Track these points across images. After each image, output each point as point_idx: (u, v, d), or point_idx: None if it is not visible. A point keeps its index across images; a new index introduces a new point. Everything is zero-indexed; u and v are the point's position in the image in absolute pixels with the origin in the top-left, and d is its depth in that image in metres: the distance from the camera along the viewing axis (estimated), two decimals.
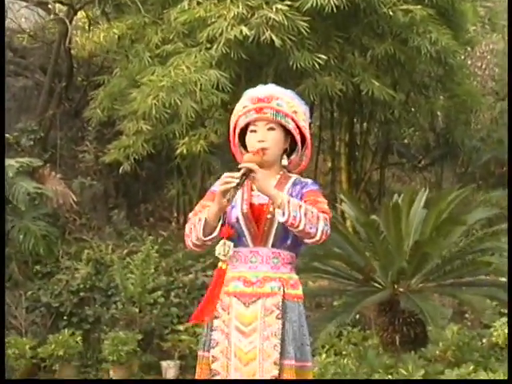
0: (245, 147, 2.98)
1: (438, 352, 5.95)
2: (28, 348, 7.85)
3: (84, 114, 9.48)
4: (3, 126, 7.98)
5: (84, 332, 8.20)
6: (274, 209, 2.84)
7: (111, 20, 9.31)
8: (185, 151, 8.09)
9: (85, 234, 9.41)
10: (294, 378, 2.80)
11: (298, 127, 2.94)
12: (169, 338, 8.01)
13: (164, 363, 7.93)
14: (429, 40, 8.27)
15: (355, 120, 10.37)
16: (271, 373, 2.77)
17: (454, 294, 5.58)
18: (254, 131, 2.90)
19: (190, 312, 8.11)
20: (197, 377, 2.91)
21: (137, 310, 8.15)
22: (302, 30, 7.77)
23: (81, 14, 10.24)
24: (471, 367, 5.10)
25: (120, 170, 8.72)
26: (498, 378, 4.92)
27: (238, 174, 2.76)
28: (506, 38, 11.76)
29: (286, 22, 7.61)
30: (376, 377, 4.94)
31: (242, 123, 2.93)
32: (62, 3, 9.89)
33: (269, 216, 2.85)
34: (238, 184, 2.75)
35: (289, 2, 7.75)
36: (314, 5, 7.65)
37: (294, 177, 2.97)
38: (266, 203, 2.87)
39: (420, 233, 5.50)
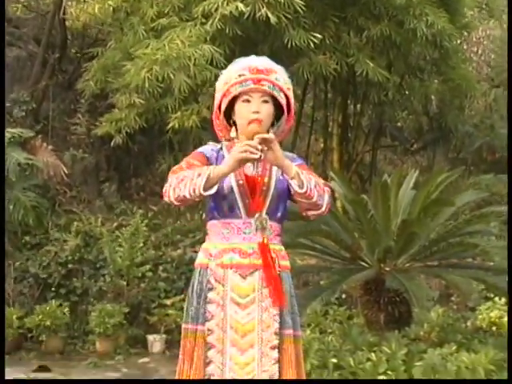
0: (226, 116, 2.96)
1: (422, 333, 6.00)
2: (15, 318, 7.89)
3: (77, 86, 9.43)
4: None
5: (71, 304, 8.25)
6: (268, 180, 2.86)
7: None
8: (177, 126, 8.05)
9: (75, 206, 9.41)
10: (293, 347, 2.83)
11: (289, 103, 2.94)
12: (155, 312, 8.05)
13: (150, 337, 7.97)
14: (425, 23, 8.22)
15: (349, 101, 10.34)
16: (272, 343, 2.79)
17: (440, 274, 5.61)
18: (248, 101, 2.87)
19: (177, 287, 8.16)
20: (183, 351, 2.88)
21: (124, 283, 8.19)
22: (298, 8, 7.70)
23: None
24: (454, 347, 5.13)
25: (112, 144, 8.70)
26: (483, 359, 4.95)
27: (259, 145, 2.72)
28: (506, 26, 11.77)
29: (282, 0, 7.56)
30: (359, 354, 4.98)
31: (235, 91, 2.88)
32: None
33: (264, 188, 2.85)
34: (260, 156, 2.72)
35: None
36: None
37: None
38: (260, 175, 2.88)
39: (408, 213, 5.51)
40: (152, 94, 7.94)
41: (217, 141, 3.07)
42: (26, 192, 8.53)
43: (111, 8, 8.58)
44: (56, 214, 9.09)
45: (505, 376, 4.81)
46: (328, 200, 2.85)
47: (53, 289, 8.41)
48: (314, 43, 7.94)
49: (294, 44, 7.88)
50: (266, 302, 2.82)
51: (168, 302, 7.90)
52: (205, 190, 2.75)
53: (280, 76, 2.93)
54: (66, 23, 10.10)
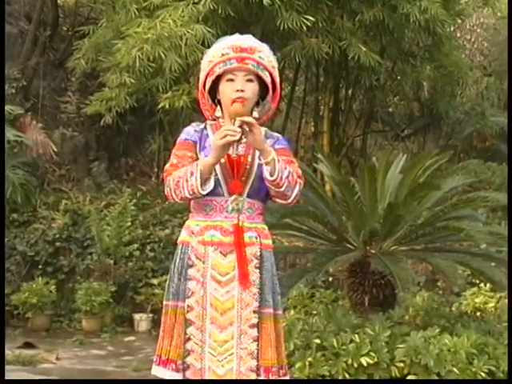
0: (211, 96, 2.96)
1: (407, 316, 6.03)
2: None
3: (68, 65, 9.39)
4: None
5: (58, 282, 8.26)
6: (251, 160, 2.88)
7: None
8: (167, 106, 8.03)
9: (64, 185, 9.40)
10: (273, 326, 2.85)
11: (274, 81, 2.94)
12: (142, 292, 8.08)
13: (136, 316, 8.00)
14: (418, 8, 8.21)
15: (340, 85, 10.34)
16: (251, 321, 2.81)
17: (426, 258, 5.63)
18: (232, 80, 2.88)
19: (164, 266, 8.17)
20: (163, 327, 2.90)
21: (112, 262, 8.20)
22: None
23: None
24: (437, 331, 5.15)
25: (101, 123, 8.67)
26: (465, 342, 4.98)
27: (237, 128, 2.74)
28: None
29: None
30: (342, 335, 5.00)
31: (219, 70, 2.89)
32: None
33: (247, 167, 2.87)
34: (240, 138, 2.74)
35: None
36: None
37: (263, 129, 2.97)
38: (242, 154, 2.89)
39: (395, 196, 5.52)
40: (143, 73, 7.92)
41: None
42: (15, 169, 8.48)
43: None
44: (44, 193, 9.08)
45: (485, 359, 4.85)
46: (297, 193, 2.87)
47: (40, 266, 8.41)
48: (307, 26, 7.94)
49: (286, 26, 7.87)
50: (248, 278, 2.83)
51: (155, 281, 7.91)
52: (203, 188, 2.79)
53: (264, 54, 2.93)
54: (58, 1, 10.05)
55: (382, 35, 9.08)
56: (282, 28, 7.90)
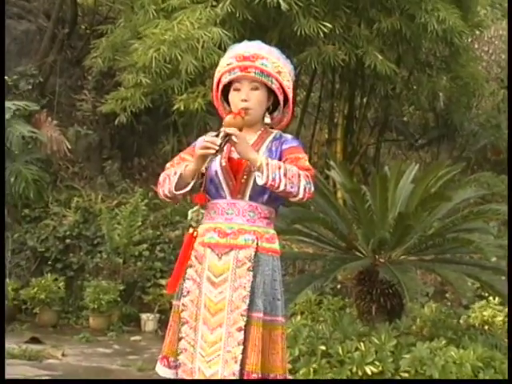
0: (228, 103, 3.00)
1: (414, 327, 6.02)
2: (11, 290, 7.93)
3: (85, 63, 9.44)
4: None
5: (67, 278, 8.29)
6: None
7: None
8: (182, 108, 8.04)
9: (76, 182, 9.43)
10: (261, 331, 2.81)
11: (282, 87, 2.95)
12: (150, 292, 8.09)
13: (144, 315, 8.01)
14: (436, 18, 8.20)
15: (356, 93, 10.33)
16: (238, 324, 2.79)
17: (434, 269, 5.61)
18: (238, 90, 2.91)
19: (173, 267, 8.12)
20: (169, 326, 2.95)
21: (121, 261, 8.22)
22: None
23: None
24: (443, 342, 5.14)
25: (116, 122, 8.70)
26: (471, 355, 4.96)
27: (218, 140, 2.77)
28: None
29: None
30: (348, 343, 5.00)
31: (225, 80, 2.94)
32: None
33: (247, 169, 2.87)
34: (217, 151, 2.77)
35: None
36: None
37: (274, 132, 3.00)
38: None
39: (406, 206, 5.51)
40: (159, 74, 7.93)
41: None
42: (28, 165, 8.53)
43: None
44: (57, 189, 9.12)
45: (491, 373, 4.83)
46: (305, 185, 2.81)
47: (49, 263, 8.45)
48: (324, 33, 7.93)
49: (303, 32, 7.86)
50: (238, 282, 2.83)
51: (163, 281, 7.91)
52: (177, 189, 2.83)
53: (267, 61, 2.93)
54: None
55: (399, 44, 9.06)
56: (298, 34, 7.90)
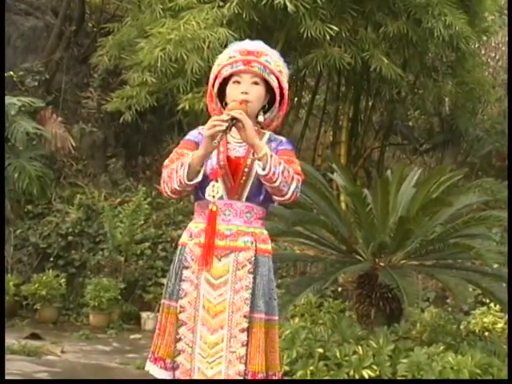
0: (220, 100, 2.98)
1: (414, 332, 6.01)
2: (12, 285, 7.96)
3: (91, 61, 9.46)
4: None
5: (68, 275, 8.31)
6: (251, 162, 2.86)
7: None
8: (187, 107, 8.05)
9: (80, 180, 9.45)
10: (263, 331, 2.84)
11: (281, 87, 2.95)
12: (151, 290, 8.11)
13: (144, 314, 8.03)
14: (443, 23, 8.19)
15: (361, 96, 10.32)
16: (241, 325, 2.81)
17: (434, 274, 5.61)
18: (238, 82, 2.89)
19: None
20: (159, 326, 2.93)
21: (122, 259, 8.24)
22: None
23: None
24: (441, 348, 5.14)
25: (121, 120, 8.71)
26: (469, 361, 4.95)
27: (226, 118, 2.75)
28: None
29: None
30: (346, 346, 5.00)
31: (226, 73, 2.91)
32: None
33: (246, 170, 2.87)
34: (226, 127, 2.73)
35: None
36: None
37: (268, 133, 2.99)
38: (242, 156, 2.89)
39: (407, 210, 5.51)
40: (164, 73, 7.95)
41: None
42: (32, 161, 8.56)
43: None
44: (60, 186, 9.14)
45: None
46: (294, 188, 2.82)
47: (51, 259, 8.47)
48: (330, 35, 7.92)
49: (309, 34, 7.86)
50: (239, 284, 2.84)
51: (164, 280, 7.90)
52: (189, 179, 2.79)
53: (271, 59, 2.94)
54: None
55: (405, 48, 9.05)
56: (305, 36, 7.90)
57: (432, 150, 11.56)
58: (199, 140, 2.92)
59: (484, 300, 7.47)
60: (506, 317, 7.05)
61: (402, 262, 5.64)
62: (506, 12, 11.75)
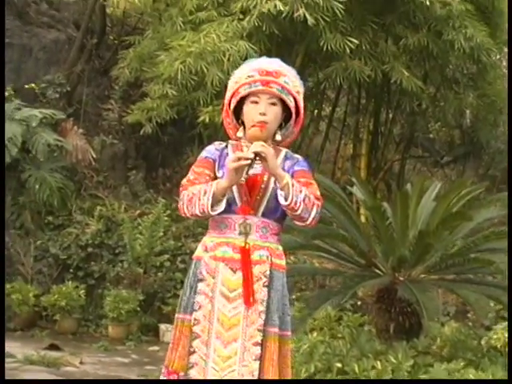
0: (235, 116, 2.99)
1: (434, 347, 5.94)
2: (32, 296, 8.00)
3: (112, 73, 9.54)
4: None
5: (88, 287, 8.33)
6: (268, 179, 2.89)
7: None
8: (207, 120, 8.09)
9: (100, 191, 9.48)
10: (277, 345, 2.83)
11: (297, 106, 2.97)
12: (170, 302, 8.09)
13: (162, 326, 8.03)
14: (464, 35, 8.17)
15: (382, 108, 10.29)
16: (255, 338, 2.80)
17: (454, 289, 5.55)
18: (256, 102, 2.90)
19: None
20: (173, 339, 2.93)
21: (141, 271, 8.25)
22: (337, 12, 7.68)
23: None
24: (461, 364, 5.07)
25: (141, 132, 8.76)
26: (489, 378, 4.90)
27: (250, 154, 2.76)
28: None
29: (321, 2, 7.53)
30: (364, 361, 4.95)
31: (244, 92, 2.92)
32: None
33: (262, 186, 2.89)
34: (251, 162, 2.76)
35: None
36: None
37: (284, 150, 3.01)
38: (259, 173, 2.90)
39: (427, 224, 5.47)
40: (185, 86, 7.99)
41: None
42: (53, 173, 8.64)
43: None
44: (81, 198, 9.18)
45: None
46: (315, 215, 2.84)
47: (71, 270, 8.50)
48: (350, 48, 7.92)
49: (329, 47, 7.87)
50: (254, 297, 2.83)
51: None
52: (213, 209, 2.81)
53: (289, 79, 2.96)
54: (107, 10, 10.22)
55: (426, 61, 9.04)
56: (325, 49, 7.90)
57: (453, 163, 11.50)
58: (216, 157, 2.95)
59: (505, 315, 7.37)
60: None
61: (422, 276, 5.59)
62: None
